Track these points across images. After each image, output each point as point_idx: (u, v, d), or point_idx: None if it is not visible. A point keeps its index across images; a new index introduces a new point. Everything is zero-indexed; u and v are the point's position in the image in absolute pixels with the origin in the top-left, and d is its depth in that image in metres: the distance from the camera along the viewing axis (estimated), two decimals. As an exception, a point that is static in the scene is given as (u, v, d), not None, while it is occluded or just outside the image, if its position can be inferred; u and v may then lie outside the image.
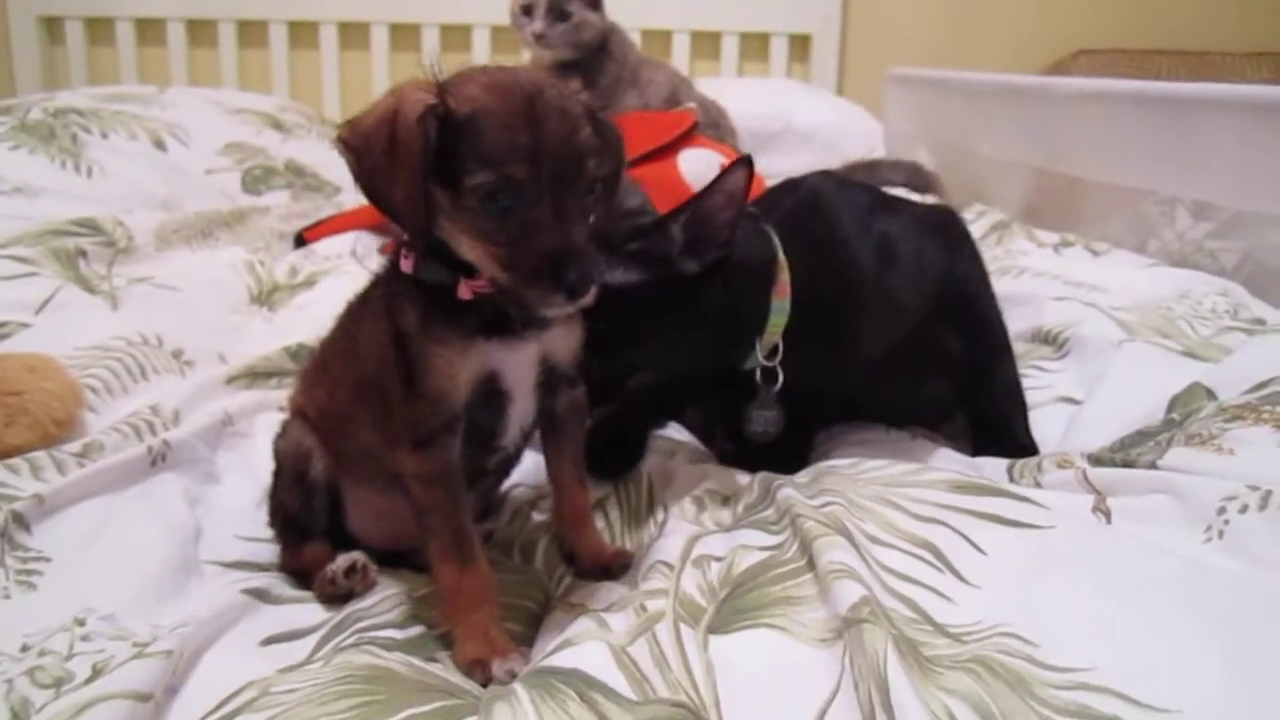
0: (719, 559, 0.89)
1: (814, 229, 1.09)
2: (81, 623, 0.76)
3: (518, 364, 0.86)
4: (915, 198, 2.28)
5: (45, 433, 1.00)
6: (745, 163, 0.97)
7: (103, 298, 1.42)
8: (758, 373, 1.07)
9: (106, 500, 0.94)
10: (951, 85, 2.39)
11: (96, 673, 0.69)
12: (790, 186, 1.18)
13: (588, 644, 0.77)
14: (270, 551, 0.99)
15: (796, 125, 2.81)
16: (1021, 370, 1.35)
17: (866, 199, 1.16)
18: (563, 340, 0.89)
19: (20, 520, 0.87)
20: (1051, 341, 1.40)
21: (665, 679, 0.73)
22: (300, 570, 0.95)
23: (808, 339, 1.05)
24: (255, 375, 1.26)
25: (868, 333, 1.09)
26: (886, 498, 0.93)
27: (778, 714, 0.69)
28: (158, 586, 0.84)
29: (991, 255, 1.74)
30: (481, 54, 3.20)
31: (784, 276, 1.04)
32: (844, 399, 1.21)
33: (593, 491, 1.11)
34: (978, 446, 1.19)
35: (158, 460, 1.02)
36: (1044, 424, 1.24)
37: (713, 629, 0.78)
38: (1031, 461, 1.07)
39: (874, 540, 0.86)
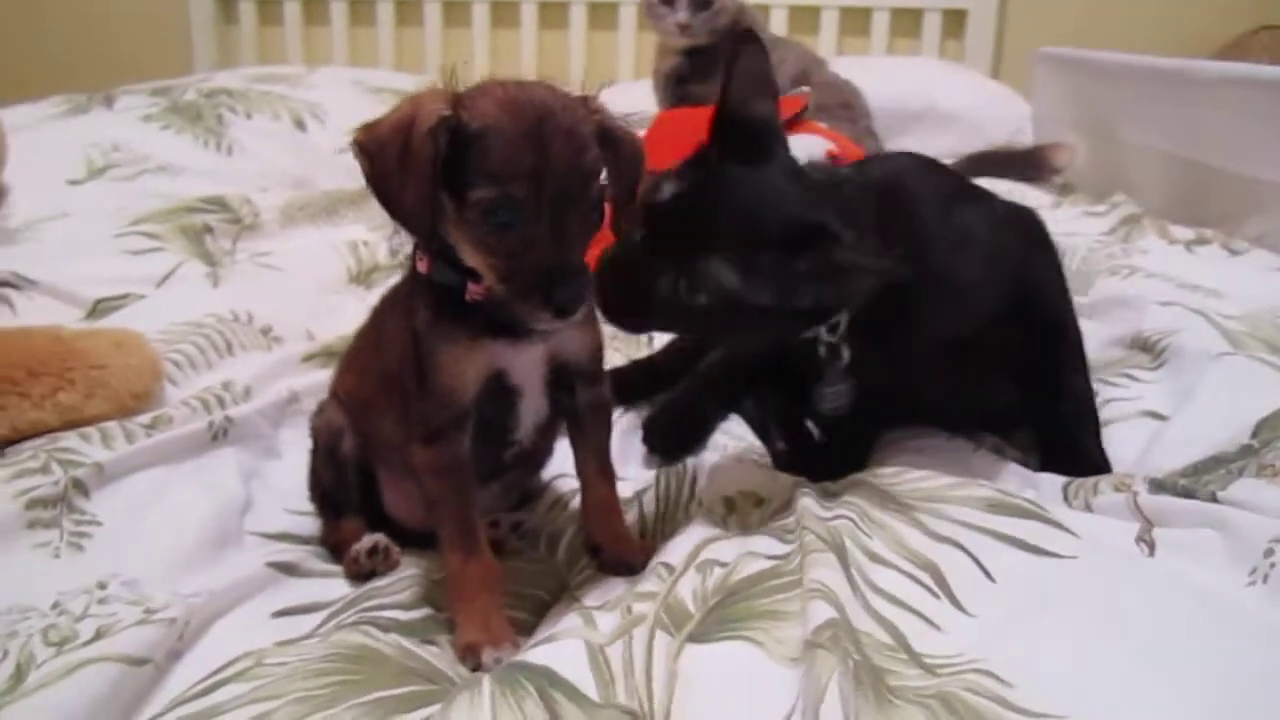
0: (723, 565, 0.88)
1: (892, 206, 1.06)
2: (103, 586, 0.83)
3: (525, 363, 0.89)
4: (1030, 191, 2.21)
5: (123, 405, 1.08)
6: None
7: (211, 276, 1.52)
8: (821, 350, 1.04)
9: (163, 471, 1.02)
10: (1094, 66, 2.25)
11: (98, 635, 0.75)
12: (882, 161, 1.15)
13: (567, 641, 0.78)
14: (314, 526, 1.04)
15: (940, 107, 2.70)
16: (1111, 379, 1.27)
17: (949, 185, 1.12)
18: (575, 341, 0.91)
19: (80, 486, 0.95)
20: (1149, 349, 1.31)
21: (627, 684, 0.73)
22: (336, 545, 1.01)
23: (871, 322, 1.02)
24: (331, 354, 1.32)
25: (931, 321, 1.04)
26: (909, 513, 0.91)
27: (727, 730, 0.69)
28: (189, 556, 0.91)
29: (1107, 253, 1.65)
30: (628, 33, 3.21)
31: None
32: (904, 399, 1.16)
33: (634, 482, 1.13)
34: (1044, 461, 1.13)
35: (218, 435, 1.09)
36: (1123, 440, 1.17)
37: (694, 637, 0.78)
38: (1090, 481, 1.02)
39: (874, 558, 0.84)
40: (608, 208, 0.86)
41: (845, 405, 1.05)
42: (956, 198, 1.09)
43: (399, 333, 0.92)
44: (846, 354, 1.02)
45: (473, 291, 0.84)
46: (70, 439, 1.02)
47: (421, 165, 0.78)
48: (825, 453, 1.19)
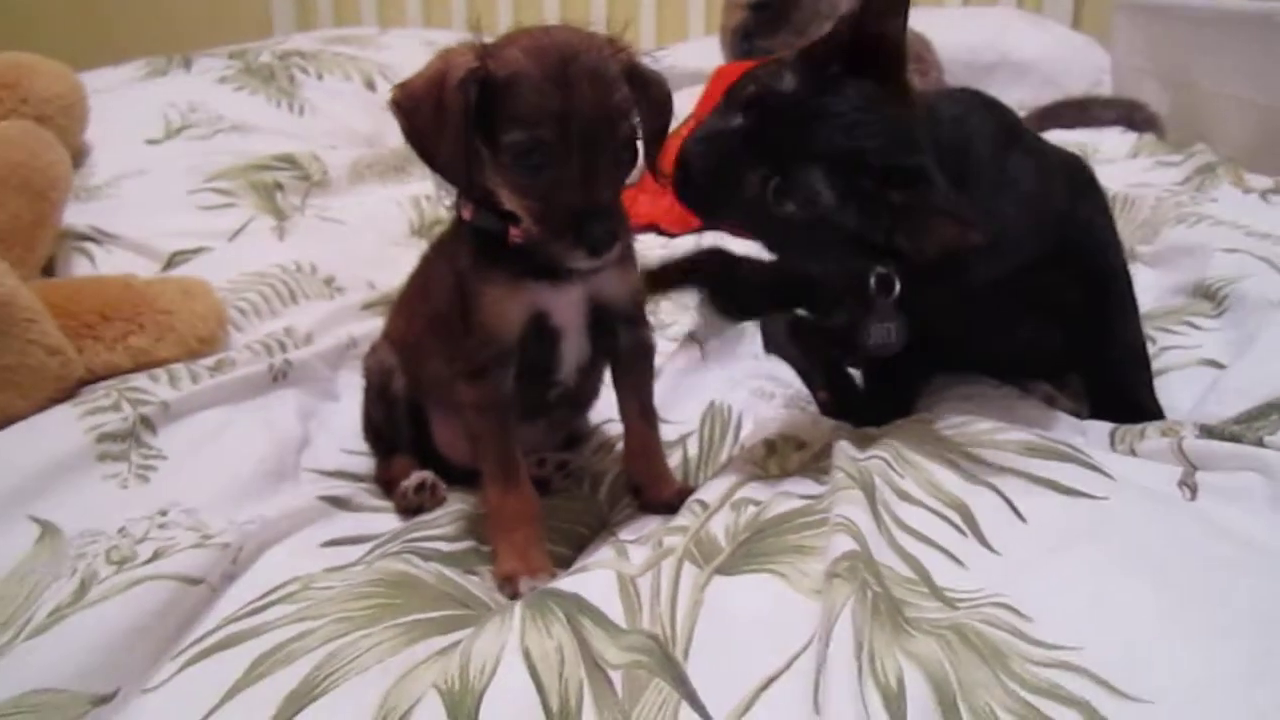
0: (757, 503, 0.90)
1: (951, 147, 1.05)
2: (164, 513, 0.88)
3: (565, 304, 0.91)
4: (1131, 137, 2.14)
5: (189, 348, 1.14)
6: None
7: (278, 229, 1.57)
8: (871, 283, 1.02)
9: (225, 410, 1.07)
10: (1176, 12, 2.17)
11: (156, 555, 0.80)
12: (951, 101, 1.13)
13: (599, 571, 0.81)
14: (368, 465, 1.08)
15: (1013, 58, 2.63)
16: (1172, 326, 1.25)
17: (1003, 128, 1.10)
18: (614, 283, 0.93)
19: (148, 423, 1.00)
20: (1211, 297, 1.28)
21: (652, 612, 0.75)
22: (387, 481, 1.05)
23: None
24: (390, 302, 1.35)
25: (974, 260, 1.03)
26: (945, 455, 0.91)
27: (746, 657, 0.70)
28: (245, 488, 0.96)
29: (1176, 202, 1.61)
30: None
31: None
32: (950, 344, 1.15)
33: (679, 425, 1.15)
34: (1094, 409, 1.12)
35: (279, 377, 1.14)
36: (1180, 388, 1.14)
37: (721, 569, 0.80)
38: (1137, 428, 1.00)
39: (903, 496, 0.84)
40: (640, 148, 0.87)
41: (895, 343, 1.04)
42: (1009, 141, 1.08)
43: (445, 276, 0.95)
44: (898, 287, 1.00)
45: (513, 235, 0.87)
46: (140, 379, 1.07)
47: (454, 117, 0.81)
48: (868, 401, 1.19)
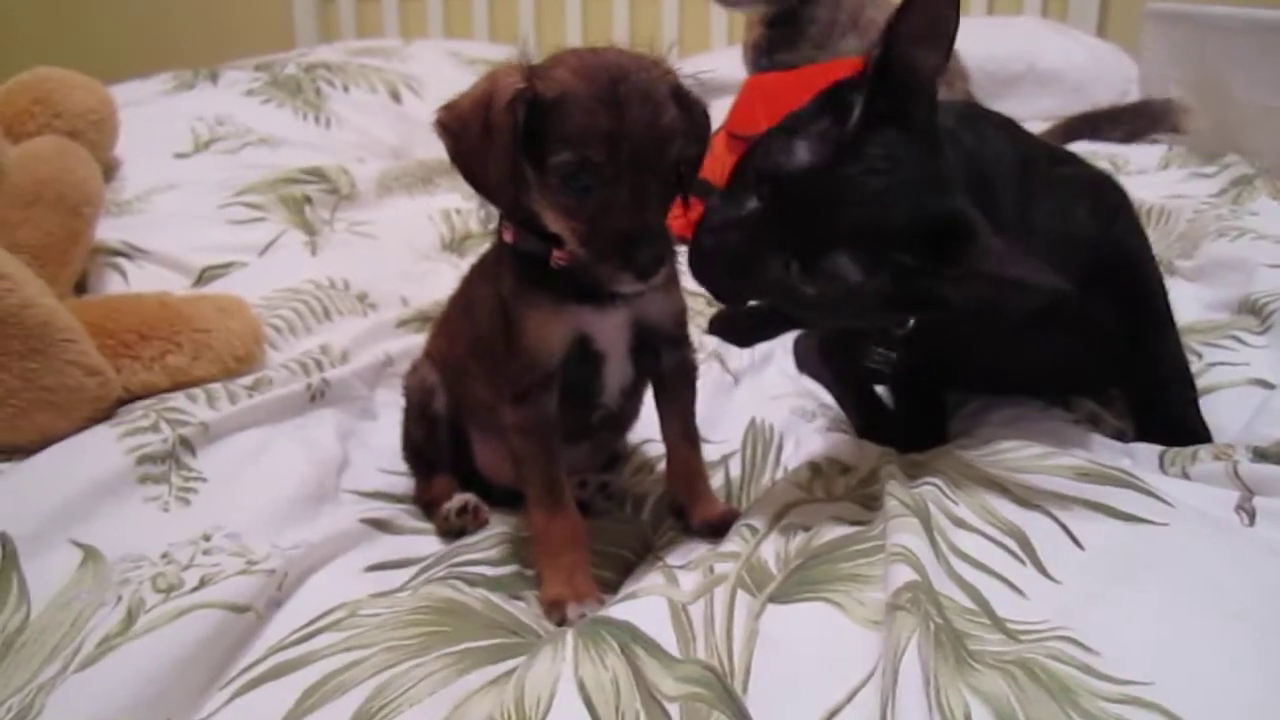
0: (807, 529, 0.88)
1: (972, 178, 1.02)
2: (208, 538, 0.87)
3: (609, 327, 0.90)
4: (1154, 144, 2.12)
5: (226, 367, 1.13)
6: None
7: (309, 244, 1.56)
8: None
9: (265, 430, 1.06)
10: (1207, 21, 2.15)
11: (203, 583, 0.80)
12: (969, 123, 1.09)
13: (649, 599, 0.80)
14: (407, 485, 1.07)
15: (1040, 67, 2.62)
16: (1218, 342, 1.23)
17: (1024, 150, 1.08)
18: (658, 305, 0.92)
19: (187, 444, 1.00)
20: (1257, 313, 1.26)
21: (707, 641, 0.74)
22: (428, 503, 1.04)
23: None
24: (424, 319, 1.35)
25: (1006, 300, 1.02)
26: (998, 481, 0.89)
27: (806, 690, 0.69)
28: (287, 510, 0.94)
29: (1215, 215, 1.59)
30: None
31: None
32: (982, 366, 1.14)
33: (721, 445, 1.14)
34: (1139, 431, 1.10)
35: (316, 396, 1.13)
36: (1228, 409, 1.12)
37: (775, 597, 0.79)
38: (1188, 450, 0.98)
39: (959, 524, 0.83)
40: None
41: (888, 372, 1.02)
42: (1031, 169, 1.06)
43: (487, 299, 0.94)
44: (910, 321, 0.97)
45: (557, 257, 0.86)
46: (178, 399, 1.07)
47: (502, 139, 0.80)
48: (901, 424, 1.17)
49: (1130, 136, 2.23)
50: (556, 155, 0.79)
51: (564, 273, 0.86)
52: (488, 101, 0.81)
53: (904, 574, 0.73)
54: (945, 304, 0.87)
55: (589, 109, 0.78)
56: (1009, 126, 1.12)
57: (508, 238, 0.90)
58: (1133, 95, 2.56)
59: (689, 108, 0.86)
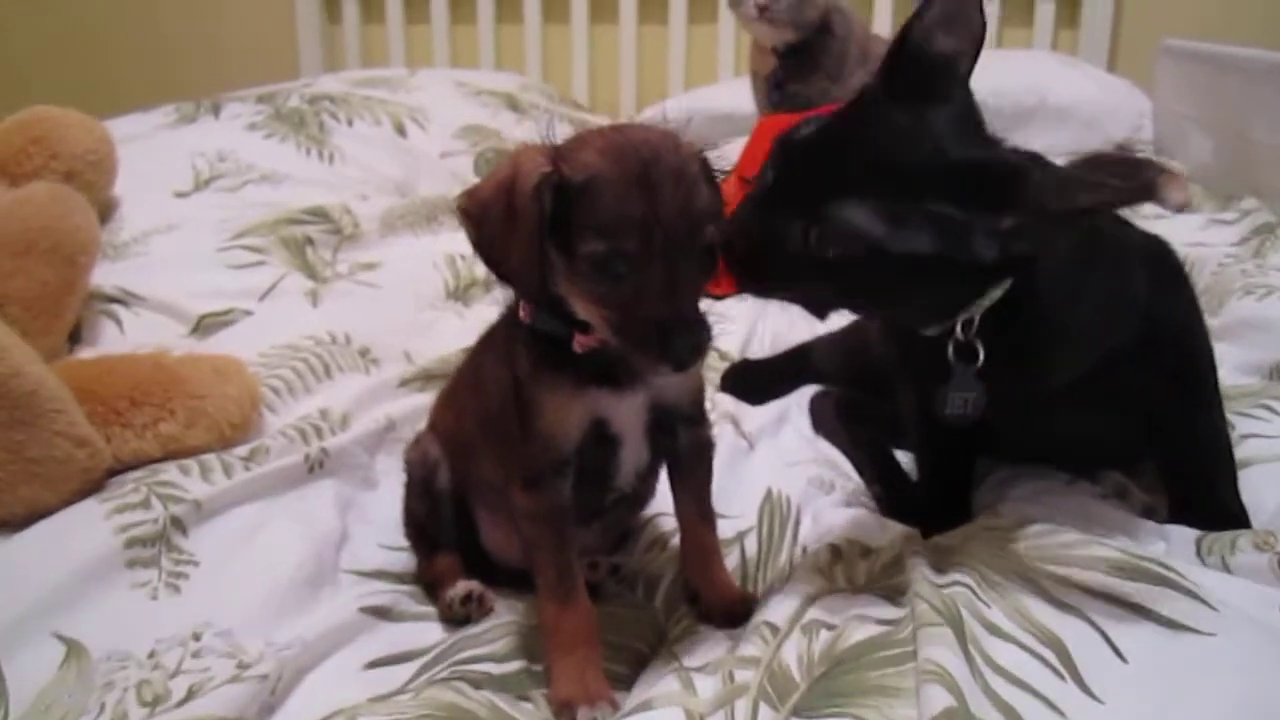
0: (830, 627, 0.84)
1: None
2: (198, 637, 0.82)
3: (626, 411, 0.86)
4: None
5: (221, 435, 1.08)
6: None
7: (310, 294, 1.52)
8: (950, 351, 0.94)
9: (261, 506, 1.01)
10: (1225, 61, 2.11)
11: (191, 694, 0.75)
12: None
13: (665, 710, 0.75)
14: (409, 561, 1.03)
15: (1052, 101, 2.57)
16: (1249, 410, 1.19)
17: None
18: (676, 385, 0.88)
19: (179, 524, 0.95)
20: (1290, 380, 1.22)
21: (728, 764, 0.70)
22: (430, 582, 0.99)
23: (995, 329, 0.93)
24: (429, 378, 1.31)
25: (1041, 362, 0.97)
26: (1030, 576, 0.85)
27: (835, 826, 0.65)
28: (283, 599, 0.90)
29: (1241, 269, 1.55)
30: (728, 26, 3.14)
31: None
32: (1014, 434, 1.09)
33: (736, 521, 1.09)
34: (1173, 511, 1.06)
35: (315, 467, 1.09)
36: (1264, 486, 1.07)
37: (799, 710, 0.74)
38: (1226, 536, 0.94)
39: (994, 631, 0.78)
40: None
41: (972, 414, 0.95)
42: (1083, 228, 1.01)
43: (498, 377, 0.90)
44: (981, 352, 0.92)
45: (581, 342, 0.82)
46: (170, 470, 1.02)
47: (528, 226, 0.76)
48: (924, 496, 1.13)
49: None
50: (587, 244, 0.75)
51: (583, 355, 0.83)
52: (511, 185, 0.77)
53: (940, 698, 0.68)
54: (1012, 266, 0.82)
55: (620, 195, 0.75)
56: None
57: (525, 317, 0.86)
58: (1145, 131, 2.53)
59: (717, 188, 0.82)
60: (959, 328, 0.91)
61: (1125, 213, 1.04)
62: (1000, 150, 0.84)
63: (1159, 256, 1.05)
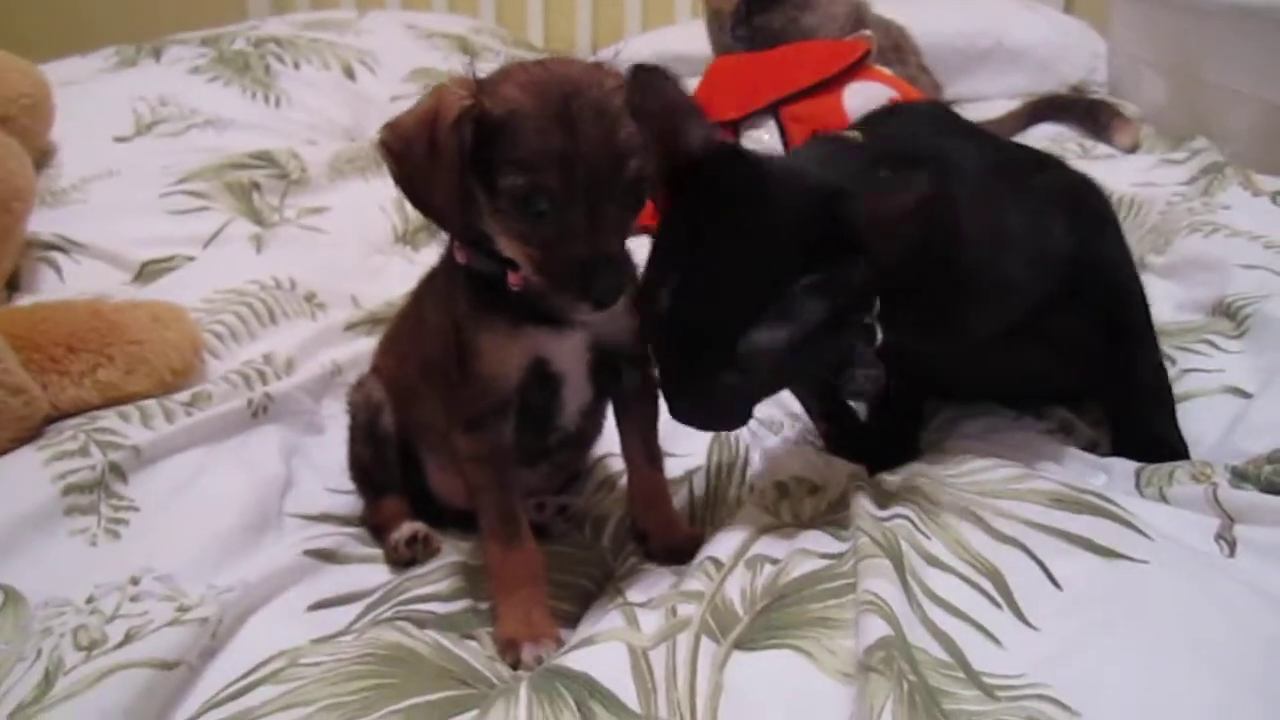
0: (774, 562, 0.84)
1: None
2: (136, 581, 0.81)
3: (567, 350, 0.86)
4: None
5: (162, 380, 1.07)
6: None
7: (254, 240, 1.49)
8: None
9: (204, 452, 1.00)
10: (1179, 3, 2.11)
11: (128, 638, 0.74)
12: (894, 121, 1.03)
13: (608, 645, 0.75)
14: (355, 504, 1.02)
15: (1008, 43, 2.56)
16: (1191, 345, 1.20)
17: (987, 159, 1.02)
18: (618, 324, 0.87)
19: (118, 470, 0.94)
20: (1231, 316, 1.23)
21: (669, 697, 0.70)
22: (377, 525, 0.99)
23: (905, 316, 0.94)
24: (375, 322, 1.29)
25: (970, 319, 0.97)
26: (972, 509, 0.86)
27: (773, 753, 0.65)
28: (225, 544, 0.89)
29: (1188, 208, 1.56)
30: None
31: None
32: (952, 380, 1.10)
33: (684, 460, 1.09)
34: (1115, 444, 1.07)
35: (259, 412, 1.08)
36: (1204, 418, 1.09)
37: (741, 643, 0.75)
38: (1165, 468, 0.95)
39: (932, 562, 0.79)
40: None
41: (876, 391, 0.96)
42: (1005, 176, 1.00)
43: (438, 320, 0.89)
44: (880, 336, 0.92)
45: (512, 280, 0.81)
46: (109, 418, 1.01)
47: (449, 159, 0.75)
48: (870, 434, 1.13)
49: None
50: (506, 179, 0.75)
51: (520, 294, 0.82)
52: (433, 120, 0.76)
53: (876, 628, 0.69)
54: (901, 289, 0.84)
55: (540, 129, 0.74)
56: (977, 134, 1.07)
57: (460, 259, 0.85)
58: (1100, 73, 2.53)
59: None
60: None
61: (1072, 149, 1.04)
62: (810, 195, 0.82)
63: (1085, 198, 1.05)
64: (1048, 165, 1.06)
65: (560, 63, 0.79)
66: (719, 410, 0.86)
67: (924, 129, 1.03)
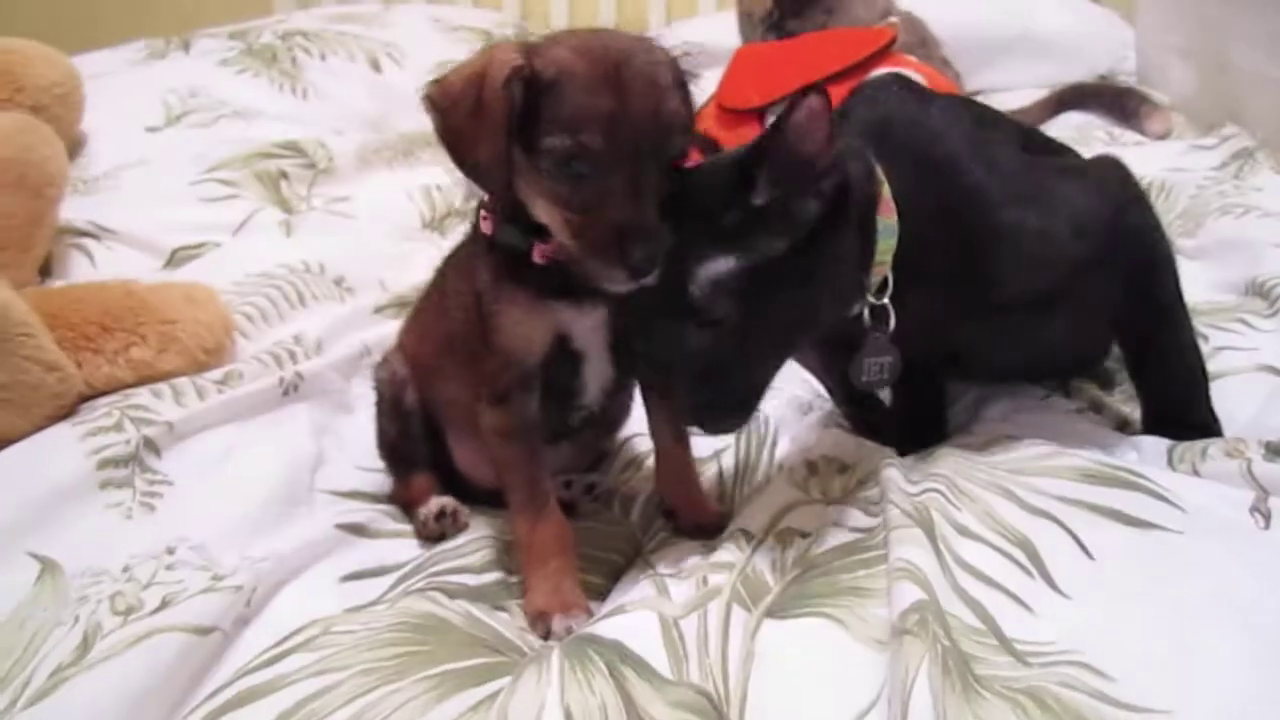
0: (805, 535, 0.84)
1: (907, 140, 0.94)
2: (171, 551, 0.82)
3: (588, 327, 0.85)
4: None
5: (194, 360, 1.08)
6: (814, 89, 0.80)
7: (284, 225, 1.50)
8: (865, 316, 0.93)
9: (235, 429, 1.01)
10: (1208, -13, 2.09)
11: (164, 604, 0.75)
12: (874, 101, 1.00)
13: (639, 613, 0.75)
14: (385, 483, 1.03)
15: (1034, 32, 2.55)
16: (1225, 325, 1.19)
17: (1020, 141, 1.02)
18: None
19: (152, 445, 0.95)
20: (1265, 295, 1.23)
21: (701, 663, 0.70)
22: (406, 502, 0.99)
23: (923, 278, 0.92)
24: (403, 305, 1.30)
25: (1003, 273, 0.96)
26: (1001, 484, 0.85)
27: (807, 717, 0.65)
28: (258, 517, 0.90)
29: (1219, 191, 1.55)
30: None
31: (885, 191, 0.89)
32: (976, 356, 1.08)
33: (712, 440, 1.09)
34: (1146, 423, 1.06)
35: (289, 391, 1.08)
36: (1238, 396, 1.07)
37: (772, 612, 0.75)
38: (1198, 445, 0.94)
39: (963, 532, 0.79)
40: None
41: (888, 379, 0.96)
42: (1033, 159, 1.00)
43: (462, 295, 0.90)
44: (893, 320, 0.92)
45: (540, 251, 0.81)
46: (143, 395, 1.02)
47: (495, 118, 0.75)
48: (896, 416, 1.12)
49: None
50: (550, 138, 0.74)
51: (543, 269, 0.82)
52: (481, 79, 0.76)
53: (910, 593, 0.69)
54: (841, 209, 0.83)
55: (588, 90, 0.73)
56: (998, 119, 1.06)
57: (486, 229, 0.85)
58: (1129, 62, 2.50)
59: (688, 98, 0.81)
60: (870, 292, 0.90)
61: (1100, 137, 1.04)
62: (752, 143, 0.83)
63: (1112, 169, 1.04)
64: (1063, 149, 1.05)
65: (611, 33, 0.79)
66: (712, 395, 0.84)
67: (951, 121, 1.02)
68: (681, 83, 0.81)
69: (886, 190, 0.90)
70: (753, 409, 0.88)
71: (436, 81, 0.80)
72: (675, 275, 0.79)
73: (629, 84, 0.74)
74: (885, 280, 0.91)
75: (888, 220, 0.89)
